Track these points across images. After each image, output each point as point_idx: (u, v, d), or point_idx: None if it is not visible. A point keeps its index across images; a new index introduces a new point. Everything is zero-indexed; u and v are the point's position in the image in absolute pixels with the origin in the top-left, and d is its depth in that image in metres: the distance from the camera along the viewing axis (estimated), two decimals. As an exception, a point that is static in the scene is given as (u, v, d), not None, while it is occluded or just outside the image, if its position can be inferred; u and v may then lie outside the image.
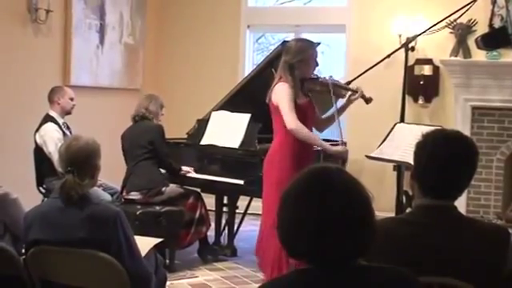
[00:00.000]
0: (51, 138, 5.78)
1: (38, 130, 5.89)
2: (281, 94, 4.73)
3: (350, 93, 5.05)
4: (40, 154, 5.88)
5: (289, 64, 4.80)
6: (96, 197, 5.49)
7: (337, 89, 5.00)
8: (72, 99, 6.08)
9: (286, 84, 4.74)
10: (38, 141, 5.85)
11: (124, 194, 5.78)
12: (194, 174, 5.98)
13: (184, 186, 5.96)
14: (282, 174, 4.56)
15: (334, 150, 4.90)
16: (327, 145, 4.89)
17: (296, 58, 4.79)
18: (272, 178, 4.74)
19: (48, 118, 5.94)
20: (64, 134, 5.85)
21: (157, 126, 5.80)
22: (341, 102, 5.12)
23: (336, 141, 5.23)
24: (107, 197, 5.75)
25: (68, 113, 6.07)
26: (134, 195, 5.69)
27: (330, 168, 1.84)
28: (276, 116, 4.81)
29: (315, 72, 5.00)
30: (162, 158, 5.75)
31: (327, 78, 4.99)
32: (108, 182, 5.92)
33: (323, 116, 5.19)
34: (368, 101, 5.14)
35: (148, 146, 5.67)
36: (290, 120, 4.68)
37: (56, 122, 5.92)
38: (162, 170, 5.88)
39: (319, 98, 5.06)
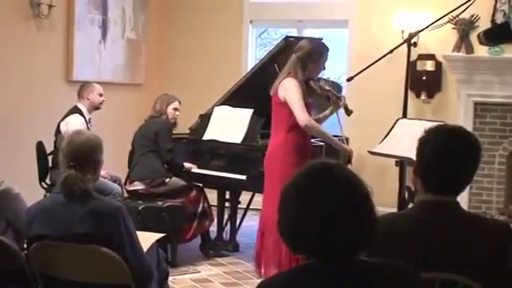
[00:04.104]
0: (77, 127, 5.79)
1: (63, 119, 5.97)
2: (291, 90, 4.73)
3: (334, 98, 5.05)
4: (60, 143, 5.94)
5: (302, 61, 4.81)
6: (107, 189, 5.62)
7: (333, 96, 5.04)
8: (101, 95, 6.21)
9: (295, 80, 4.75)
10: (63, 129, 5.87)
11: (127, 184, 5.87)
12: (197, 170, 5.99)
13: (186, 181, 5.96)
14: (287, 169, 4.55)
15: (342, 146, 4.96)
16: (337, 141, 4.93)
17: (311, 58, 4.82)
18: (275, 173, 4.74)
19: (76, 110, 6.05)
20: (88, 129, 5.89)
21: (163, 121, 5.92)
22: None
23: (339, 136, 5.25)
24: (116, 188, 5.88)
25: (97, 108, 6.20)
26: (137, 185, 5.76)
27: (330, 163, 1.85)
28: (282, 110, 4.79)
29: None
30: (162, 151, 5.78)
31: (328, 81, 5.05)
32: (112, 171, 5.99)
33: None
34: (349, 113, 5.14)
35: (154, 138, 5.79)
36: (303, 117, 4.71)
37: (83, 116, 6.02)
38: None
39: (317, 100, 5.13)
